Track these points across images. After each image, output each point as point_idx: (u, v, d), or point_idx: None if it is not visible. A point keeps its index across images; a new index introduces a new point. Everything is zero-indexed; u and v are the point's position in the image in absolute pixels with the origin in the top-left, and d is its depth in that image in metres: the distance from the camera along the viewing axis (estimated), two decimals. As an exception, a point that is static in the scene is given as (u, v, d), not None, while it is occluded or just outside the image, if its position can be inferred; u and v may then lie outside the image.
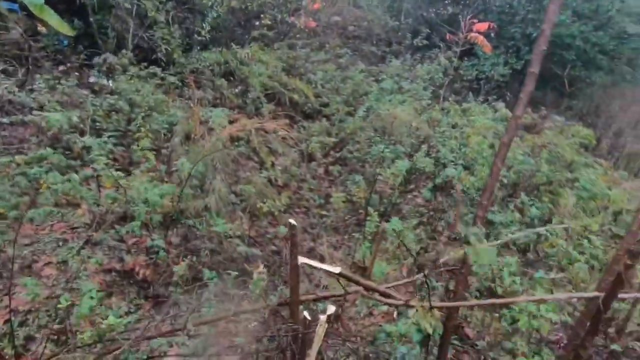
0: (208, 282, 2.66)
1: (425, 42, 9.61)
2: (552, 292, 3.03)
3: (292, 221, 1.84)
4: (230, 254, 3.26)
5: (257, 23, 7.68)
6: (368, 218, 3.56)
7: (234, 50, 6.08)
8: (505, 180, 4.37)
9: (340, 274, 1.78)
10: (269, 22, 7.54)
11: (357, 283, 1.94)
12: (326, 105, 6.36)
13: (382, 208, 4.63)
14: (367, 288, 1.98)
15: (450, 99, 6.81)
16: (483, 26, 5.25)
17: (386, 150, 4.40)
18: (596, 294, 1.83)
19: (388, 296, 1.96)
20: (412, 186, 4.73)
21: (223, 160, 3.78)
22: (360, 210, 3.99)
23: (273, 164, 4.86)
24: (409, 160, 4.43)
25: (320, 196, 4.67)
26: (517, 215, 3.90)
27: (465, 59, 10.27)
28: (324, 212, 4.48)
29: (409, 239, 3.90)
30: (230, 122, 5.11)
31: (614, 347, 2.75)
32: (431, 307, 1.75)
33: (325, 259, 3.87)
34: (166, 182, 3.67)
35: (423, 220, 4.62)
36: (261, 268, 2.58)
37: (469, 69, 11.02)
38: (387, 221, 3.80)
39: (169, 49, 5.77)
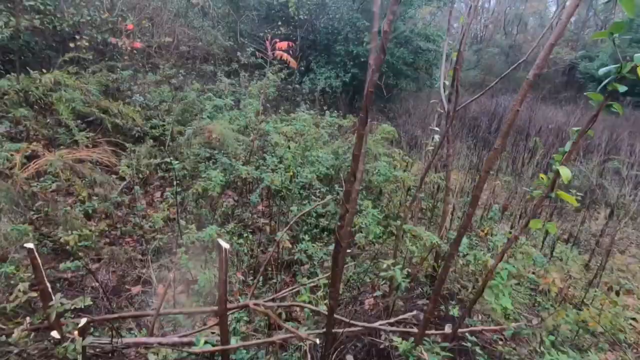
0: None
1: (260, 59, 10.25)
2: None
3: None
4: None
5: (72, 45, 7.00)
6: (186, 231, 3.61)
7: (32, 77, 5.40)
8: (322, 176, 5.01)
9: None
10: (87, 44, 6.97)
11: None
12: (156, 126, 6.18)
13: (220, 219, 4.76)
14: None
15: (281, 111, 7.39)
16: (283, 44, 5.91)
17: (210, 167, 4.53)
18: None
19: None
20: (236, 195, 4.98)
21: (10, 199, 3.33)
22: (190, 226, 4.01)
23: (90, 196, 4.49)
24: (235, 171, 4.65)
25: (149, 219, 4.51)
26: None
27: (295, 74, 11.21)
28: (154, 235, 4.33)
29: (240, 245, 4.10)
30: (33, 157, 4.54)
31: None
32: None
33: (154, 283, 3.75)
34: None
35: (258, 225, 4.93)
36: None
37: (305, 83, 12.16)
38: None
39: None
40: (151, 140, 5.77)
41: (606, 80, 1.65)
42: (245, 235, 4.17)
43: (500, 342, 2.58)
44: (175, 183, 4.14)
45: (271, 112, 7.77)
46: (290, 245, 3.56)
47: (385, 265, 2.87)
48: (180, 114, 6.64)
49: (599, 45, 26.31)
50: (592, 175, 7.31)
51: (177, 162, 3.80)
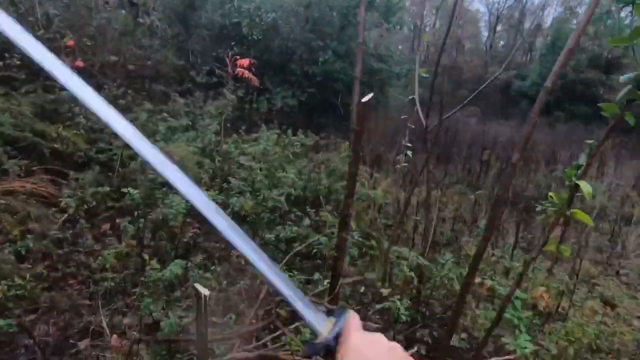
0: None
1: (215, 79, 9.90)
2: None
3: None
4: None
5: (1, 63, 6.22)
6: (149, 266, 3.16)
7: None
8: (292, 198, 4.75)
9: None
10: (18, 62, 6.23)
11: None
12: (103, 151, 5.59)
13: (182, 251, 4.31)
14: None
15: (241, 131, 7.08)
16: (245, 62, 5.69)
17: (169, 194, 4.10)
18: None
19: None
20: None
21: None
22: (151, 262, 3.53)
23: (23, 233, 3.85)
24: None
25: (96, 257, 3.94)
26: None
27: (253, 94, 11.00)
28: (103, 275, 3.78)
29: (207, 279, 3.68)
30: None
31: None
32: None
33: (106, 333, 3.21)
34: None
35: (228, 256, 4.52)
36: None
37: (262, 102, 11.93)
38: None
39: None
40: (98, 167, 5.18)
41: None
42: (212, 267, 3.77)
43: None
44: (137, 213, 3.65)
45: (230, 133, 7.42)
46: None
47: (373, 292, 2.66)
48: (130, 136, 6.09)
49: (528, 65, 29.03)
50: (542, 185, 7.74)
51: (135, 191, 3.35)
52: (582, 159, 1.73)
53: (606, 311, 3.99)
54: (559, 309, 3.92)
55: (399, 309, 2.20)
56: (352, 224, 5.08)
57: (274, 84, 12.77)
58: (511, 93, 25.58)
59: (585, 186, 1.54)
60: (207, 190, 4.67)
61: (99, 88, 8.16)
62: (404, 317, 2.23)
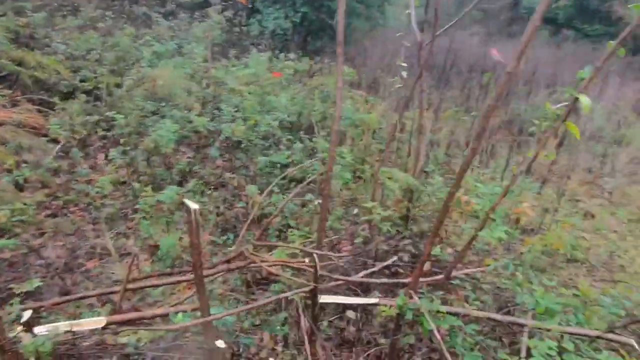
0: None
1: (200, -1, 9.14)
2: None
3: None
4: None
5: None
6: (142, 194, 3.25)
7: None
8: (285, 123, 4.70)
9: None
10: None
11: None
12: (87, 79, 5.37)
13: (179, 178, 4.38)
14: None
15: (230, 55, 6.73)
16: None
17: (159, 121, 4.03)
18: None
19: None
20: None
21: None
22: (146, 189, 3.61)
23: (18, 163, 3.87)
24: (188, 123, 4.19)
25: (95, 185, 4.02)
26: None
27: (242, 15, 10.26)
28: (103, 202, 3.89)
29: (203, 204, 3.80)
30: None
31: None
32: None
33: (113, 253, 3.41)
34: None
35: (223, 182, 4.61)
36: None
37: (253, 25, 11.17)
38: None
39: None
40: (84, 95, 5.03)
41: None
42: (208, 192, 3.87)
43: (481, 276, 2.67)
44: (123, 141, 3.63)
45: (220, 58, 7.06)
46: (260, 200, 3.33)
47: (356, 210, 2.76)
48: (114, 63, 5.81)
49: (542, -22, 26.58)
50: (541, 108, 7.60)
51: (121, 116, 3.29)
52: (587, 71, 1.66)
53: (585, 226, 4.20)
54: (542, 225, 4.12)
55: (380, 220, 2.32)
56: (346, 149, 5.11)
57: (265, 5, 11.83)
58: (520, 11, 23.84)
59: (584, 99, 1.50)
60: (199, 116, 4.59)
61: (74, 11, 7.57)
62: (384, 229, 2.36)
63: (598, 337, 1.75)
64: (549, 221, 4.08)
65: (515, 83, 8.42)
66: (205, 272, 2.05)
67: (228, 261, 1.99)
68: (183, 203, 1.59)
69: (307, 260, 1.70)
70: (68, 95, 5.32)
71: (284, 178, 3.85)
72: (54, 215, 3.87)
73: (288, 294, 1.84)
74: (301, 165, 3.58)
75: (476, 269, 2.47)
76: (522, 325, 1.87)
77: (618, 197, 5.25)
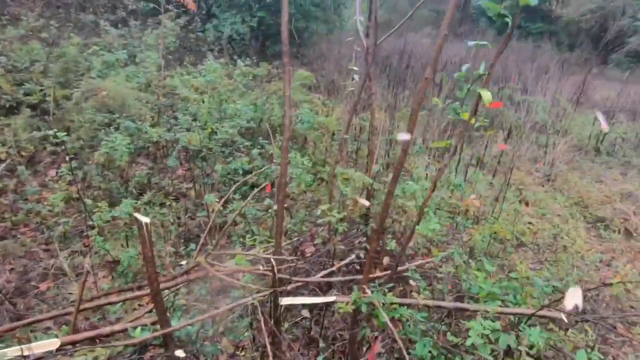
0: None
1: (152, 5, 8.90)
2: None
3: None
4: None
5: None
6: (96, 209, 3.16)
7: None
8: (243, 130, 4.71)
9: None
10: None
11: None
12: (32, 92, 5.12)
13: (137, 190, 4.28)
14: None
15: (185, 63, 6.63)
16: (179, -17, 5.13)
17: (112, 133, 3.92)
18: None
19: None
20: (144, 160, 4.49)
21: None
22: (100, 204, 3.50)
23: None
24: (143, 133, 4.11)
25: (46, 202, 3.85)
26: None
27: (196, 21, 10.14)
28: (56, 220, 3.74)
29: (163, 215, 3.75)
30: None
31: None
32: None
33: (68, 273, 3.29)
34: None
35: (181, 191, 4.55)
36: None
37: (209, 31, 11.04)
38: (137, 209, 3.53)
39: None
40: (29, 110, 4.79)
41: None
42: (168, 203, 3.82)
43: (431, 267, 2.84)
44: (69, 157, 3.51)
45: (175, 65, 6.94)
46: (221, 207, 3.33)
47: (320, 212, 2.86)
48: (61, 74, 5.57)
49: (488, -20, 28.05)
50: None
51: (64, 134, 3.19)
52: (482, 68, 1.85)
53: (530, 212, 4.54)
54: (492, 214, 4.40)
55: (337, 221, 2.42)
56: (301, 153, 5.19)
57: (221, 10, 11.71)
58: (470, 11, 25.04)
59: (485, 94, 1.67)
60: (154, 127, 4.51)
61: (14, 20, 7.16)
62: (341, 229, 2.46)
63: (532, 314, 1.94)
64: (498, 210, 4.36)
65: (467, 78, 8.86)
66: (164, 285, 2.05)
67: (187, 272, 2.00)
68: (135, 217, 1.59)
69: (261, 267, 1.75)
70: (10, 111, 5.04)
71: (244, 184, 3.87)
72: (1, 238, 3.67)
73: (246, 299, 1.88)
74: (257, 172, 3.62)
75: (425, 260, 2.63)
76: (465, 310, 2.03)
77: (560, 183, 5.70)
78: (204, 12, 11.34)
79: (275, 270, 1.81)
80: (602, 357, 1.83)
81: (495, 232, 3.57)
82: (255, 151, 4.04)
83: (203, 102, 4.42)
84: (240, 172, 4.51)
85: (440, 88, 8.42)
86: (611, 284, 2.40)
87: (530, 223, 4.58)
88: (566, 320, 1.92)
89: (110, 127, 4.41)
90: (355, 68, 3.93)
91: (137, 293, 2.16)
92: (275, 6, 11.76)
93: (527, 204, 4.06)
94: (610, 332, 2.82)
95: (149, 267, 1.61)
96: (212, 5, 11.74)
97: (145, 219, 1.56)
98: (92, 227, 3.67)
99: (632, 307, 3.57)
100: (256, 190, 2.91)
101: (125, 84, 4.83)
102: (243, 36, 11.32)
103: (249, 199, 2.54)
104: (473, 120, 1.75)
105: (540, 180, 5.82)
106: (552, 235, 4.37)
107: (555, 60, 11.03)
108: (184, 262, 2.33)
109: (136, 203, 3.24)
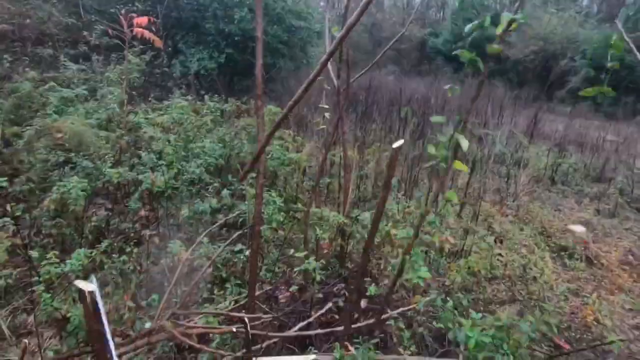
0: None
1: (116, 40, 8.75)
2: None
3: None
4: None
5: None
6: (44, 262, 2.85)
7: None
8: (211, 168, 4.56)
9: None
10: None
11: None
12: (-23, 131, 4.74)
13: (93, 236, 3.95)
14: None
15: (151, 99, 6.47)
16: (143, 20, 5.08)
17: (67, 175, 3.64)
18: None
19: None
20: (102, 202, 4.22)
21: None
22: (48, 255, 3.17)
23: None
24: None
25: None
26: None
27: (163, 57, 10.08)
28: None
29: (123, 262, 3.45)
30: None
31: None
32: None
33: (7, 335, 2.89)
34: None
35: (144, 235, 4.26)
36: None
37: (175, 66, 10.98)
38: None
39: None
40: (-27, 149, 4.40)
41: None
42: (128, 250, 3.53)
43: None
44: (10, 206, 3.19)
45: (139, 102, 6.74)
46: (186, 256, 3.10)
47: (294, 254, 2.73)
48: (12, 111, 5.22)
49: (442, 23, 30.38)
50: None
51: (4, 179, 2.90)
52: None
53: (499, 245, 4.62)
54: (465, 247, 4.44)
55: (314, 269, 2.30)
56: (275, 192, 5.09)
57: (188, 45, 11.73)
58: (427, 50, 26.76)
59: (462, 140, 1.68)
60: (115, 167, 4.26)
61: (-38, 54, 6.77)
62: (319, 277, 2.34)
63: None
64: (470, 243, 4.41)
65: (429, 114, 9.29)
66: (123, 350, 1.82)
67: (149, 333, 1.79)
68: (76, 286, 1.39)
69: (234, 328, 1.59)
70: (-48, 151, 4.61)
71: (213, 224, 3.67)
72: None
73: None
74: (232, 215, 3.46)
75: (408, 307, 2.54)
76: None
77: (523, 214, 5.91)
78: (170, 47, 11.30)
79: (249, 329, 1.65)
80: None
81: (469, 267, 3.57)
82: (225, 191, 3.88)
83: (169, 141, 4.25)
84: (209, 211, 4.30)
85: (406, 122, 8.72)
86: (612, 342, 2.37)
87: (500, 255, 4.65)
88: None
89: (66, 168, 4.12)
90: (326, 106, 3.96)
91: (90, 362, 1.88)
92: (242, 43, 11.95)
93: (501, 242, 4.15)
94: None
95: (97, 343, 1.40)
96: (179, 41, 11.75)
97: (90, 287, 1.36)
98: (39, 281, 3.30)
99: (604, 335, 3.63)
100: (226, 243, 2.73)
101: (84, 121, 4.57)
102: (210, 72, 11.33)
103: (223, 247, 2.37)
104: (459, 165, 1.74)
105: (504, 211, 6.01)
106: (521, 266, 4.45)
107: (507, 96, 11.85)
108: (147, 324, 2.08)
109: (91, 253, 2.95)
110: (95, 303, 1.34)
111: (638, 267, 4.77)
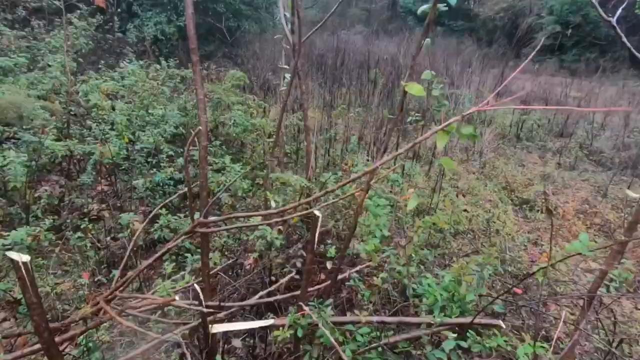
0: None
1: (57, 3, 7.96)
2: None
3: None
4: None
5: None
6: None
7: None
8: (171, 138, 4.33)
9: None
10: None
11: None
12: None
13: (43, 214, 3.73)
14: None
15: (101, 66, 6.00)
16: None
17: (5, 149, 3.35)
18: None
19: None
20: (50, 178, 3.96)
21: None
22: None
23: None
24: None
25: None
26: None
27: (114, 20, 9.33)
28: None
29: (80, 239, 3.29)
30: None
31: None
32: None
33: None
34: None
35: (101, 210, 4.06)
36: None
37: (131, 31, 10.23)
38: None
39: None
40: None
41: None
42: (83, 226, 3.36)
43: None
44: None
45: (88, 69, 6.25)
46: (141, 227, 2.97)
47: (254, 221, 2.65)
48: (-60, 83, 4.72)
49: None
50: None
51: None
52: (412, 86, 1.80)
53: (465, 200, 4.73)
54: (431, 205, 4.51)
55: (270, 234, 2.26)
56: (242, 156, 4.93)
57: (144, 8, 10.88)
58: (398, 10, 26.07)
59: (412, 87, 1.60)
60: (64, 140, 3.96)
61: None
62: (278, 243, 2.29)
63: (471, 323, 1.92)
64: (436, 201, 4.48)
65: (398, 75, 9.15)
66: (62, 337, 1.73)
67: (84, 319, 1.70)
68: (9, 258, 1.28)
69: (176, 297, 1.52)
70: None
71: (170, 195, 3.52)
72: None
73: (168, 335, 1.64)
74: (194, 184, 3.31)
75: (364, 265, 2.56)
76: (410, 324, 1.97)
77: (488, 170, 6.05)
78: (123, 11, 10.45)
79: (202, 298, 1.59)
80: (547, 344, 1.86)
81: (434, 224, 3.63)
82: (180, 160, 3.71)
83: (113, 108, 3.96)
84: (172, 182, 4.14)
85: (375, 84, 8.57)
86: (537, 270, 2.49)
87: (465, 210, 4.77)
88: (504, 327, 1.93)
89: (7, 143, 3.80)
90: (286, 67, 3.77)
91: (27, 349, 1.75)
92: (203, 3, 11.19)
93: (463, 196, 4.21)
94: (545, 313, 2.98)
95: (36, 316, 1.31)
96: (132, 3, 10.85)
97: (23, 258, 1.26)
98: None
99: (557, 280, 3.84)
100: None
101: (24, 91, 4.19)
102: (170, 36, 10.64)
103: (179, 236, 2.24)
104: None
105: (471, 169, 6.13)
106: (485, 220, 4.59)
107: (476, 55, 11.82)
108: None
109: (36, 230, 2.78)
110: (30, 273, 1.24)
111: (591, 214, 5.02)
